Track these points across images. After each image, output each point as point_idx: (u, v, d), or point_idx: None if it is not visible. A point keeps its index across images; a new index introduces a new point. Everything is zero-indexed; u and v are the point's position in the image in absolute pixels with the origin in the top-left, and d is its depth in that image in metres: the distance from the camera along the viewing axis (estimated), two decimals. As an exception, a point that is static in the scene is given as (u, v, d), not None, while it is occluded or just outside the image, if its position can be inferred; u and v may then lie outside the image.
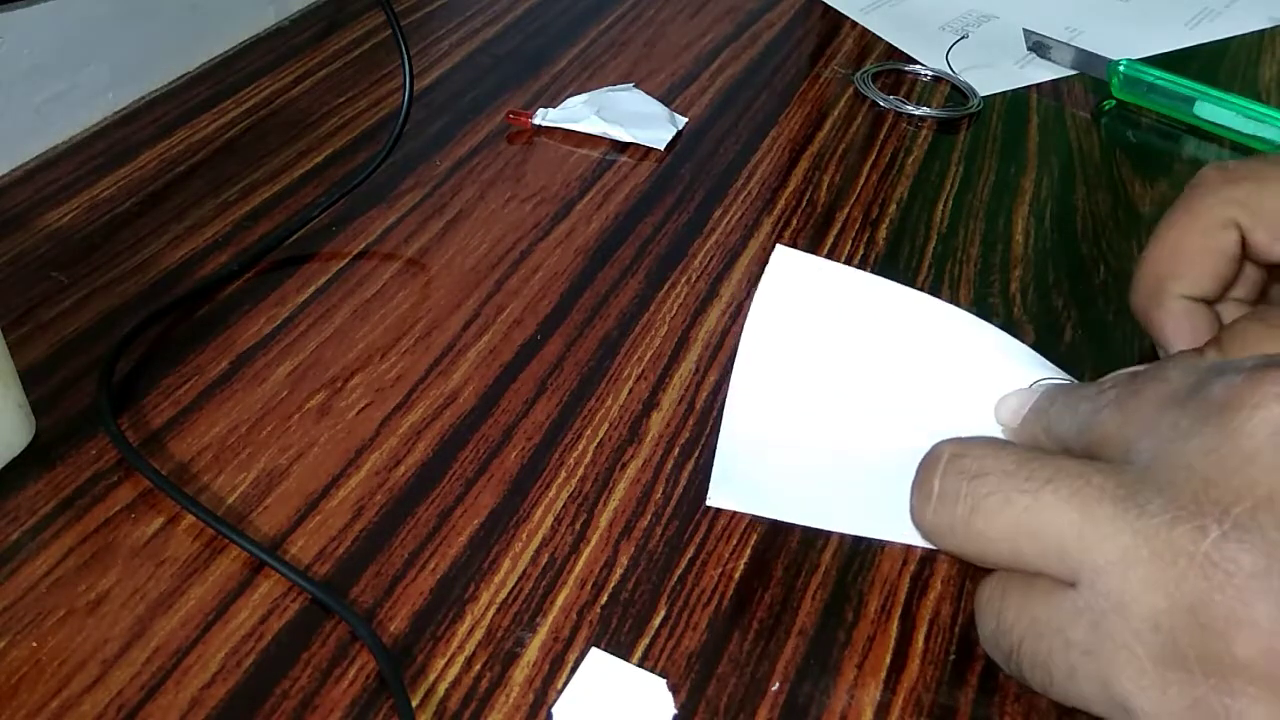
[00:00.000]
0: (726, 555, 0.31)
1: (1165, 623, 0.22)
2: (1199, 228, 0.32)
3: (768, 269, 0.35)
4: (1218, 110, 0.53)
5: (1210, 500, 0.22)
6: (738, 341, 0.34)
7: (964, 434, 0.28)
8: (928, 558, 0.31)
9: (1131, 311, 0.35)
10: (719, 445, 0.34)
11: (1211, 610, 0.21)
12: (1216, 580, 0.21)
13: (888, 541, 0.31)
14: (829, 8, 0.65)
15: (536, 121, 0.50)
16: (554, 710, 0.27)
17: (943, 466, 0.26)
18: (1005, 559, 0.25)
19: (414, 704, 0.27)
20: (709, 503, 0.32)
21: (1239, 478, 0.22)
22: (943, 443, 0.27)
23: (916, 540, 0.30)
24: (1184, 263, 0.33)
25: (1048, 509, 0.24)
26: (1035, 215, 0.46)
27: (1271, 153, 0.33)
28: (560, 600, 0.30)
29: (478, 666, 0.28)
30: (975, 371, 0.33)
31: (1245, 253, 0.32)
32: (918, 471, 0.27)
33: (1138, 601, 0.22)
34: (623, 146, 0.50)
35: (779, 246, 0.35)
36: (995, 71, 0.58)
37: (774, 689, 0.28)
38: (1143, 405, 0.25)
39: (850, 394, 0.34)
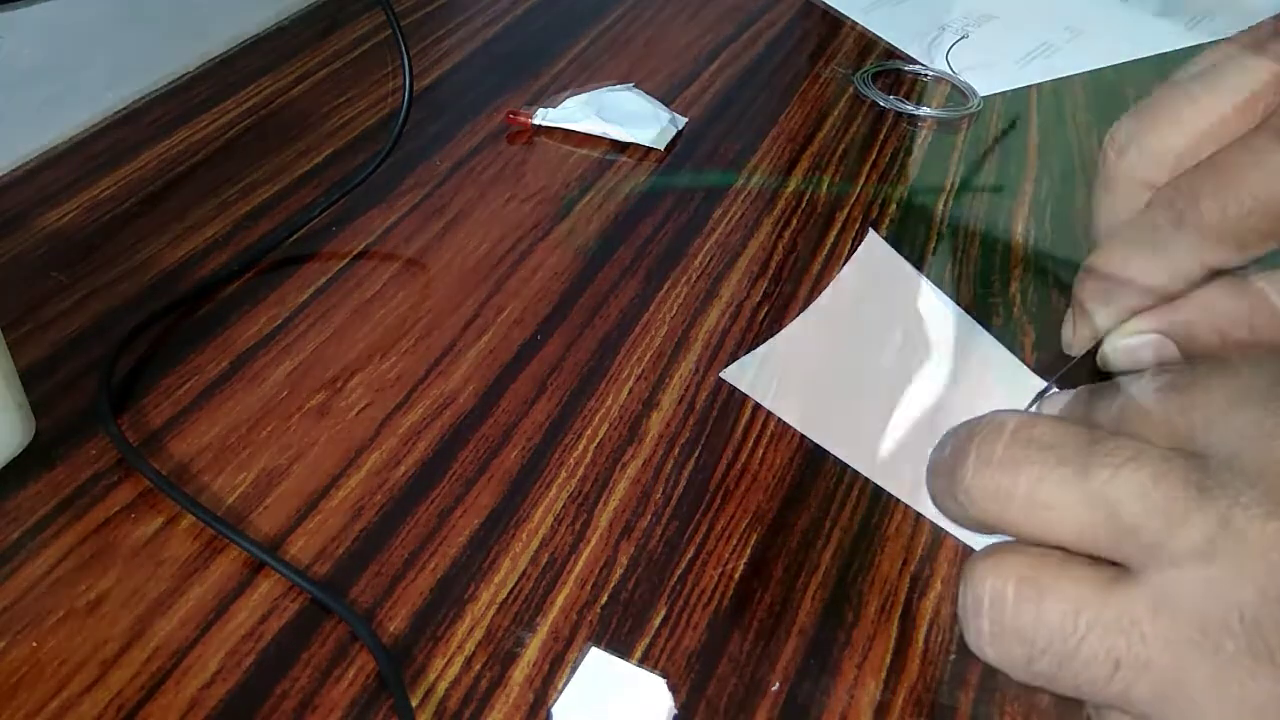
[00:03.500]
0: (726, 555, 0.31)
1: (1251, 614, 0.22)
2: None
3: (859, 249, 0.42)
4: None
5: None
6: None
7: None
8: (928, 557, 0.31)
9: None
10: (758, 349, 0.38)
11: None
12: None
13: (877, 484, 0.34)
14: (829, 8, 0.65)
15: (536, 121, 0.50)
16: (554, 710, 0.27)
17: (1009, 433, 0.25)
18: (1065, 535, 0.24)
19: (414, 704, 0.27)
20: (721, 375, 0.34)
21: None
22: (1002, 413, 0.26)
23: (892, 486, 0.33)
24: None
25: (1128, 485, 0.23)
26: (1035, 215, 0.46)
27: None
28: (560, 600, 0.30)
29: (478, 666, 0.28)
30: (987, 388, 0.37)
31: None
32: (969, 434, 0.26)
33: (1222, 591, 0.22)
34: (623, 146, 0.50)
35: (871, 232, 0.42)
36: (995, 71, 0.58)
37: (774, 689, 0.28)
38: (1209, 395, 0.24)
39: (880, 360, 0.38)
